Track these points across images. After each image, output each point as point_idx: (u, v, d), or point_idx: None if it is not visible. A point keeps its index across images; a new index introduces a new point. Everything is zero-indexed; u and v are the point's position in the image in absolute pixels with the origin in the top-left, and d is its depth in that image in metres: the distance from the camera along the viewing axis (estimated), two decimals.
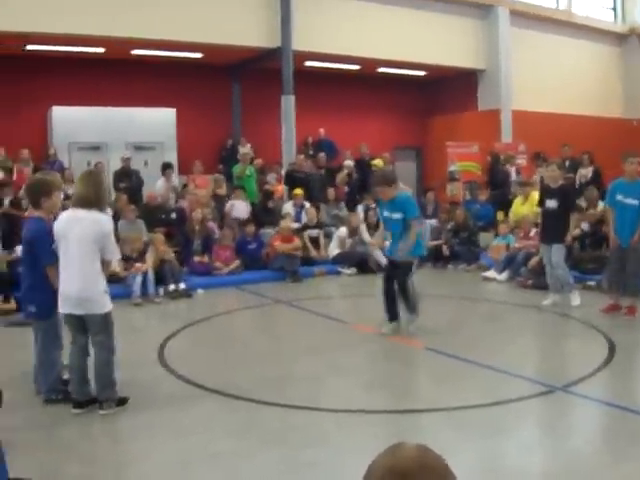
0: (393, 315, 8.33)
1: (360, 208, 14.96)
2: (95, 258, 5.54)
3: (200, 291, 11.55)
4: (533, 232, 11.66)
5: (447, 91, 22.26)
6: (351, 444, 4.96)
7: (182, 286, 11.27)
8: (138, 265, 11.07)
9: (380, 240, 9.39)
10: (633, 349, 7.71)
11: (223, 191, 15.51)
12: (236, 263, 12.77)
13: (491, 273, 12.41)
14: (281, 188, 16.21)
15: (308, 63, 18.55)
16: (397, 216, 8.18)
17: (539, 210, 10.31)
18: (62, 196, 6.47)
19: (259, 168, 16.75)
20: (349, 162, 17.32)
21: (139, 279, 10.80)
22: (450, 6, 19.74)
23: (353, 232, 13.89)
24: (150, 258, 11.32)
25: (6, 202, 12.31)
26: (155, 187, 14.74)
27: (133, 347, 7.97)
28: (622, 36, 24.36)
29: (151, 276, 10.96)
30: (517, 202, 13.81)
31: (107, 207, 6.38)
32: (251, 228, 13.41)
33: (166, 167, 15.11)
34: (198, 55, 17.60)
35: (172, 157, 16.93)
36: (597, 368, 6.76)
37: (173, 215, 13.84)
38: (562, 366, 7.36)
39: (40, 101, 16.38)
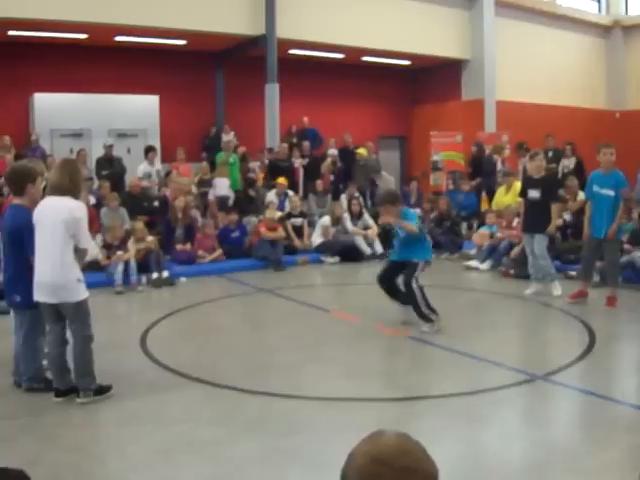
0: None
1: (343, 197, 14.97)
2: (68, 246, 5.49)
3: (183, 279, 11.51)
4: (515, 222, 11.71)
5: (431, 81, 22.28)
6: (333, 432, 4.98)
7: (165, 274, 11.24)
8: (119, 253, 11.03)
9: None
10: (613, 338, 7.79)
11: (208, 175, 15.46)
12: (219, 252, 12.75)
13: (474, 262, 12.47)
14: (263, 176, 16.18)
15: (292, 51, 18.49)
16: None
17: (521, 200, 10.37)
18: (44, 184, 6.41)
19: (241, 156, 16.69)
20: (333, 151, 17.31)
21: (121, 267, 10.75)
22: None
23: (336, 221, 13.89)
24: (132, 246, 11.28)
25: None
26: (137, 170, 14.69)
27: (115, 335, 7.96)
28: (606, 28, 24.45)
29: (133, 264, 10.92)
30: (500, 192, 13.86)
31: (82, 195, 6.29)
32: (234, 217, 13.38)
33: (149, 150, 15.05)
34: (182, 42, 17.49)
35: (155, 144, 16.80)
36: (577, 357, 6.82)
37: (156, 203, 13.80)
38: (543, 355, 7.41)
39: (22, 87, 16.23)
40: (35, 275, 5.56)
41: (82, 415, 5.46)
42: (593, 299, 9.34)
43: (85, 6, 14.54)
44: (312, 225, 14.33)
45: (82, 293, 5.62)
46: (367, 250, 13.57)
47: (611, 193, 9.02)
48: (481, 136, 19.02)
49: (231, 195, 14.87)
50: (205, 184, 15.12)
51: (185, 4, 15.85)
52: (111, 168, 14.81)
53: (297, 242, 13.70)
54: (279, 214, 13.85)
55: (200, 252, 12.57)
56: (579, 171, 14.99)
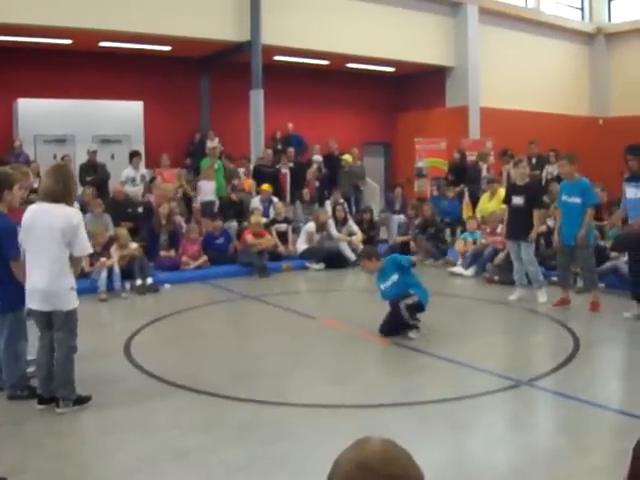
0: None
1: (328, 203, 14.98)
2: (63, 253, 5.48)
3: (167, 286, 11.47)
4: (500, 228, 11.75)
5: (416, 87, 22.35)
6: (318, 439, 4.98)
7: (149, 281, 11.19)
8: (102, 260, 10.98)
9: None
10: (597, 344, 7.83)
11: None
12: (203, 258, 12.71)
13: (458, 269, 12.50)
14: (249, 182, 16.17)
15: (277, 57, 18.51)
16: (394, 277, 8.13)
17: (505, 207, 10.44)
18: (25, 190, 6.39)
19: (227, 159, 16.69)
20: (317, 157, 17.33)
21: (104, 274, 10.70)
22: (420, 3, 19.81)
23: (321, 227, 13.89)
24: (115, 253, 11.23)
25: None
26: (121, 176, 14.64)
27: (99, 343, 7.92)
28: (589, 35, 24.63)
29: (117, 271, 10.87)
30: (484, 198, 13.91)
31: (74, 201, 6.28)
32: (218, 223, 13.35)
33: (133, 155, 15.00)
34: (166, 48, 17.47)
35: (139, 150, 16.78)
36: (562, 362, 6.85)
37: (140, 209, 13.75)
38: (527, 361, 7.45)
39: (5, 93, 16.15)
40: (28, 282, 5.53)
41: (67, 423, 5.42)
42: (577, 305, 9.40)
43: (69, 11, 14.50)
44: (297, 231, 14.32)
45: (73, 302, 5.60)
46: (352, 256, 13.57)
47: (578, 200, 9.22)
48: (465, 143, 19.09)
49: (216, 201, 14.82)
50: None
51: (170, 10, 15.83)
52: (95, 174, 14.76)
53: (282, 248, 13.68)
54: (264, 220, 13.84)
55: (184, 259, 12.54)
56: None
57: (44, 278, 5.43)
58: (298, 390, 6.24)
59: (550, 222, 12.00)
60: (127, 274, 11.05)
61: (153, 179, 15.17)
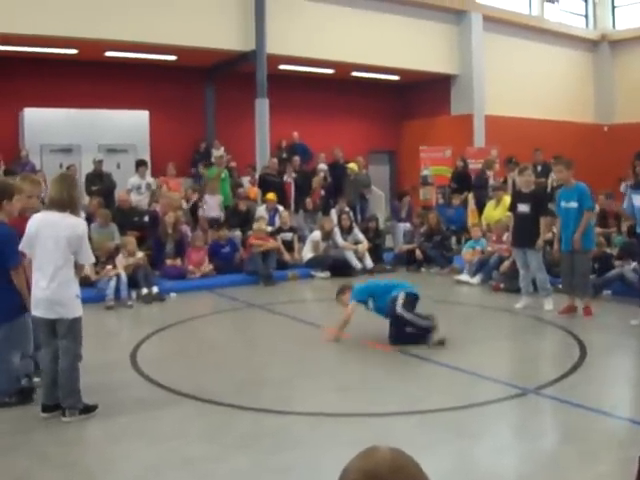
0: None
1: (334, 212, 14.97)
2: (68, 262, 5.50)
3: (173, 295, 11.47)
4: (506, 236, 11.73)
5: (420, 96, 22.38)
6: (324, 447, 4.97)
7: (155, 290, 11.20)
8: (108, 267, 11.01)
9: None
10: (604, 351, 7.78)
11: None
12: (209, 267, 12.72)
13: (464, 276, 12.48)
14: (254, 191, 16.19)
15: (282, 67, 18.56)
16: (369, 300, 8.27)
17: (510, 214, 10.44)
18: (37, 198, 6.44)
19: (231, 169, 16.75)
20: (322, 165, 17.34)
21: (113, 283, 10.72)
22: (424, 11, 19.86)
23: (327, 236, 13.89)
24: (122, 261, 11.24)
25: None
26: (127, 184, 14.67)
27: (106, 351, 7.93)
28: (594, 42, 24.68)
29: (124, 279, 10.88)
30: (489, 206, 13.90)
31: (80, 210, 6.31)
32: (224, 232, 13.36)
33: (139, 164, 15.03)
34: (172, 57, 17.53)
35: (145, 160, 16.84)
36: (569, 370, 6.83)
37: (146, 218, 13.77)
38: (534, 368, 7.42)
39: (12, 102, 16.22)
40: (33, 290, 5.55)
41: (73, 432, 5.42)
42: (581, 312, 9.37)
43: (75, 22, 14.57)
44: (302, 240, 14.32)
45: (78, 310, 5.61)
46: (358, 265, 13.57)
47: (575, 205, 9.23)
48: (470, 151, 19.10)
49: (222, 215, 14.79)
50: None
51: (175, 20, 15.89)
52: (101, 183, 14.80)
53: (287, 256, 13.67)
54: (269, 229, 13.85)
55: (190, 267, 12.55)
56: None
57: (49, 286, 5.44)
58: (303, 398, 6.24)
59: (556, 229, 11.99)
60: (132, 283, 11.06)
61: (159, 188, 15.20)
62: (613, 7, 24.93)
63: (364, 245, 14.05)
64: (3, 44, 15.23)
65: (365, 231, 14.67)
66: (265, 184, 15.83)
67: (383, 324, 8.23)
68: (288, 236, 14.08)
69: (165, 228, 12.69)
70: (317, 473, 4.54)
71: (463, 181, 17.07)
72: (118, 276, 10.86)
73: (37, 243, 5.51)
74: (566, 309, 9.43)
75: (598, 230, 11.35)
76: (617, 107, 24.25)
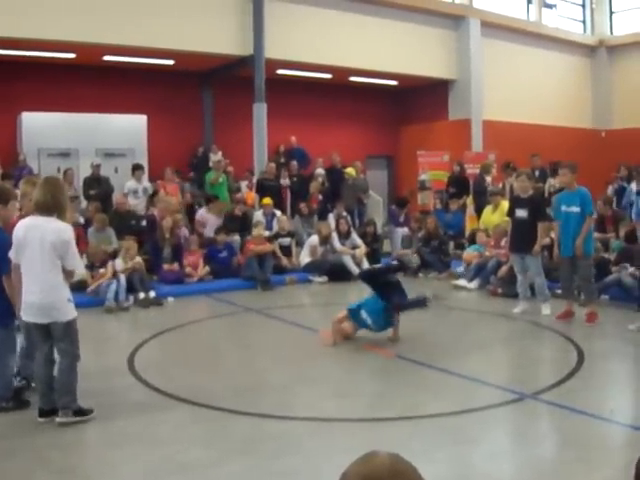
0: None
1: (331, 216, 14.98)
2: (57, 266, 5.47)
3: (170, 299, 11.47)
4: (504, 241, 11.73)
5: (418, 101, 22.40)
6: (323, 453, 4.96)
7: (152, 294, 11.20)
8: (102, 271, 11.05)
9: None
10: (601, 356, 7.79)
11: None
12: (205, 269, 12.73)
13: (461, 281, 12.48)
14: (252, 196, 16.20)
15: (280, 71, 18.56)
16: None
17: (508, 219, 10.45)
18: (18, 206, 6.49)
19: (228, 174, 16.76)
20: (320, 170, 17.35)
21: (113, 287, 10.73)
22: (422, 16, 19.88)
23: (324, 240, 13.89)
24: (121, 265, 11.24)
25: None
26: (124, 188, 14.66)
27: (103, 356, 7.93)
28: (591, 48, 24.72)
29: (123, 282, 10.90)
30: (487, 211, 13.90)
31: (69, 214, 6.27)
32: (222, 237, 13.35)
33: (136, 168, 15.00)
34: (170, 62, 17.53)
35: (143, 164, 16.82)
36: (566, 376, 6.83)
37: (143, 222, 13.76)
38: (532, 374, 7.41)
39: (10, 106, 16.21)
40: (24, 295, 5.53)
41: (71, 436, 5.41)
42: (581, 317, 9.36)
43: (73, 26, 14.57)
44: (300, 245, 14.32)
45: (72, 312, 5.60)
46: (355, 269, 13.54)
47: (577, 210, 9.20)
48: (468, 156, 19.12)
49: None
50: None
51: (173, 24, 15.90)
52: (99, 188, 14.79)
53: (285, 261, 13.67)
54: (267, 234, 13.86)
55: (188, 269, 12.55)
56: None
57: (39, 292, 5.44)
58: (302, 403, 6.23)
59: (554, 234, 11.99)
60: (128, 287, 11.06)
61: (156, 192, 15.20)
62: (611, 13, 24.98)
63: (362, 250, 14.05)
64: (1, 48, 15.23)
65: (363, 236, 14.67)
66: (263, 189, 15.83)
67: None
68: (286, 241, 14.09)
69: (162, 233, 12.68)
70: (316, 478, 4.54)
71: (460, 185, 17.08)
72: (117, 279, 10.87)
73: (25, 248, 5.49)
74: (564, 314, 9.43)
75: (596, 235, 11.35)
76: (614, 112, 24.29)
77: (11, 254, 5.59)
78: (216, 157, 16.99)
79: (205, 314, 10.92)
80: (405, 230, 15.52)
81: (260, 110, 17.18)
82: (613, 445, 5.19)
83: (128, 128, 17.10)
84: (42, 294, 5.43)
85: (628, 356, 8.05)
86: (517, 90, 21.56)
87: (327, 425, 5.64)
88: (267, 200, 14.89)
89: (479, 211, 15.14)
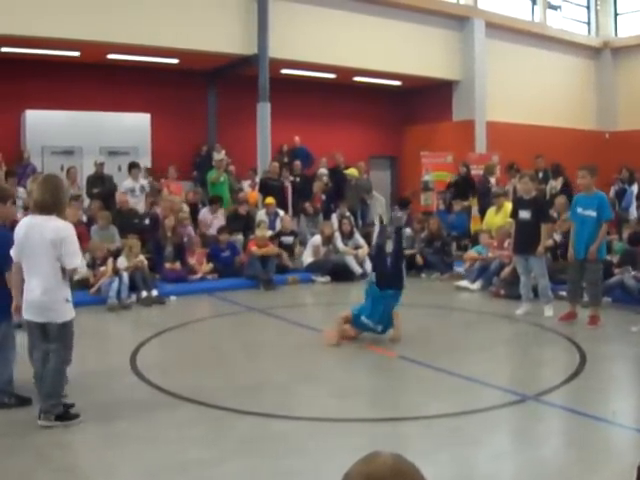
0: None
1: (334, 216, 14.97)
2: (56, 265, 5.45)
3: (173, 298, 11.47)
4: (507, 243, 11.72)
5: (422, 101, 22.41)
6: (325, 452, 4.96)
7: (154, 293, 11.20)
8: (103, 269, 11.06)
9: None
10: (603, 359, 7.78)
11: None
12: (209, 266, 12.77)
13: (464, 282, 12.46)
14: (254, 196, 16.20)
15: (284, 71, 18.58)
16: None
17: (511, 221, 10.44)
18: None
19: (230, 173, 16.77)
20: (323, 170, 17.35)
21: (115, 285, 10.74)
22: (426, 17, 19.89)
23: (327, 240, 13.89)
24: (124, 263, 11.26)
25: None
26: (121, 187, 14.65)
27: (105, 354, 7.94)
28: (596, 49, 24.71)
29: (126, 280, 10.91)
30: (490, 212, 13.89)
31: (71, 212, 6.32)
32: (224, 236, 13.36)
33: (132, 166, 14.95)
34: (174, 61, 17.56)
35: (146, 162, 16.87)
36: (568, 377, 6.82)
37: (146, 221, 13.76)
38: (534, 375, 7.41)
39: (14, 104, 16.24)
40: (24, 294, 5.54)
41: (72, 435, 5.40)
42: (583, 319, 9.34)
43: (78, 24, 14.59)
44: (303, 244, 14.32)
45: (69, 313, 5.56)
46: (358, 270, 13.56)
47: (593, 214, 9.10)
48: (471, 157, 19.12)
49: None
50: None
51: (178, 23, 15.92)
52: (102, 186, 14.78)
53: (288, 261, 13.67)
54: (270, 233, 13.86)
55: (192, 262, 12.58)
56: (566, 192, 14.90)
57: (38, 290, 5.43)
58: (304, 403, 6.23)
59: (557, 236, 11.98)
60: (131, 286, 11.07)
61: (159, 191, 15.20)
62: (615, 14, 24.98)
63: (364, 250, 14.03)
64: (6, 46, 15.26)
65: (366, 236, 14.66)
66: (266, 188, 15.83)
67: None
68: (289, 239, 14.09)
69: (165, 231, 12.68)
70: (318, 478, 4.53)
71: (466, 187, 17.06)
72: (120, 277, 10.88)
73: (25, 248, 5.49)
74: (566, 316, 9.41)
75: None
76: (619, 114, 24.29)
77: (12, 253, 5.60)
78: (218, 156, 17.00)
79: (207, 313, 10.92)
80: (408, 231, 15.50)
81: (264, 109, 17.19)
82: (615, 447, 5.18)
83: (132, 126, 17.14)
84: (40, 293, 5.43)
85: (630, 358, 8.03)
86: (521, 91, 21.56)
87: (329, 425, 5.63)
88: (270, 200, 14.88)
89: (483, 212, 15.13)
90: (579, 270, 9.34)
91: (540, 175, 15.76)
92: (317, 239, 13.94)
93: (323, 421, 5.69)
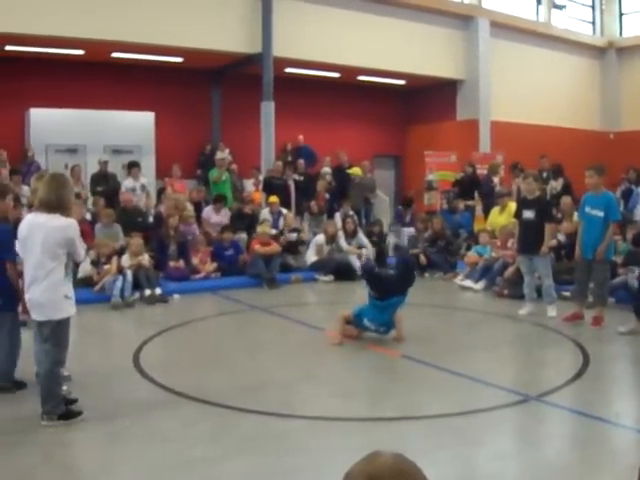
0: None
1: (338, 215, 14.97)
2: (57, 264, 5.45)
3: (176, 296, 11.48)
4: (510, 242, 11.71)
5: (426, 100, 22.38)
6: (326, 451, 4.96)
7: (158, 291, 11.21)
8: (107, 267, 11.07)
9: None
10: (607, 359, 7.77)
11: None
12: (213, 265, 12.78)
13: (468, 282, 12.45)
14: (259, 195, 16.20)
15: (288, 70, 18.56)
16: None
17: (515, 221, 10.43)
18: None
19: (236, 173, 16.78)
20: (326, 169, 17.35)
21: (119, 283, 10.76)
22: (431, 16, 19.86)
23: (331, 239, 13.89)
24: (127, 261, 11.27)
25: None
26: (122, 187, 14.65)
27: (108, 352, 7.94)
28: (600, 49, 24.66)
29: (130, 279, 10.94)
30: (494, 212, 13.88)
31: (76, 209, 6.38)
32: (228, 234, 13.37)
33: (132, 166, 14.94)
34: (178, 59, 17.56)
35: (150, 161, 16.89)
36: (571, 378, 6.81)
37: (150, 219, 13.78)
38: (536, 375, 7.40)
39: (18, 102, 16.25)
40: (25, 291, 5.56)
41: (74, 433, 5.41)
42: (587, 320, 9.33)
43: (82, 22, 14.59)
44: (307, 243, 14.32)
45: (67, 310, 5.55)
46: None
47: (601, 214, 9.09)
48: (475, 156, 19.10)
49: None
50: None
51: (182, 22, 15.91)
52: (106, 184, 14.81)
53: (291, 260, 13.69)
54: (273, 232, 13.86)
55: (196, 262, 12.58)
56: (567, 192, 14.80)
57: (38, 288, 5.44)
58: (307, 402, 6.23)
59: (561, 236, 11.97)
60: (134, 284, 11.09)
61: (163, 190, 15.20)
62: (620, 14, 24.93)
63: (368, 249, 14.04)
64: (10, 44, 15.27)
65: (369, 235, 14.66)
66: (269, 187, 15.83)
67: None
68: (293, 236, 14.10)
69: (168, 230, 12.69)
70: (320, 477, 4.53)
71: (472, 186, 17.04)
72: (124, 275, 10.90)
73: (27, 245, 5.51)
74: (571, 316, 9.39)
75: None
76: (623, 114, 24.24)
77: (18, 250, 5.64)
78: (222, 155, 17.00)
79: (210, 312, 10.93)
80: (411, 230, 15.50)
81: (268, 108, 17.19)
82: (618, 448, 5.17)
83: (136, 125, 17.13)
84: (40, 291, 5.44)
85: (634, 359, 8.04)
86: (525, 91, 21.52)
87: (331, 424, 5.63)
88: (274, 198, 14.89)
89: (486, 212, 15.12)
90: (586, 270, 9.32)
91: (544, 175, 15.72)
92: (321, 238, 13.95)
93: (325, 420, 5.69)
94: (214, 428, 5.55)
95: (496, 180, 16.76)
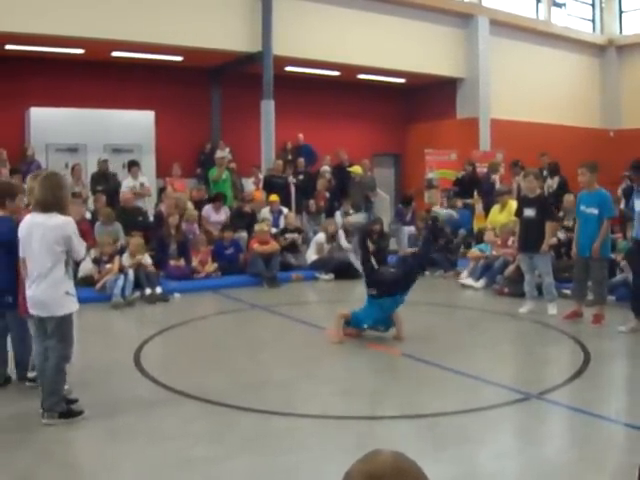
0: None
1: (338, 214, 14.97)
2: (57, 262, 5.48)
3: (177, 295, 11.48)
4: (511, 240, 11.71)
5: (426, 99, 22.37)
6: (327, 450, 4.96)
7: (158, 290, 11.21)
8: (109, 266, 11.07)
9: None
10: (607, 357, 7.77)
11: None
12: (213, 265, 12.76)
13: (468, 280, 12.45)
14: (259, 193, 16.19)
15: (288, 68, 18.55)
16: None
17: (515, 219, 10.43)
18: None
19: (235, 172, 16.77)
20: (326, 168, 17.35)
21: (120, 282, 10.76)
22: (431, 14, 19.85)
23: (331, 238, 13.89)
24: (128, 260, 11.28)
25: None
26: (122, 186, 14.64)
27: (109, 351, 7.94)
28: (601, 47, 24.65)
29: (131, 278, 10.95)
30: (494, 210, 13.86)
31: (75, 208, 6.41)
32: (229, 233, 13.37)
33: (131, 165, 14.94)
34: (178, 58, 17.55)
35: (150, 160, 16.89)
36: (572, 376, 6.81)
37: (151, 218, 13.78)
38: (537, 373, 7.40)
39: (18, 102, 16.24)
40: (26, 289, 5.58)
41: (75, 431, 5.42)
42: (587, 318, 9.34)
43: (82, 21, 14.59)
44: (307, 242, 14.32)
45: (68, 307, 5.57)
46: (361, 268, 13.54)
47: (595, 212, 9.11)
48: (476, 154, 19.09)
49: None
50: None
51: (182, 20, 15.90)
52: (106, 183, 14.80)
53: (291, 258, 13.69)
54: (274, 231, 13.86)
55: (195, 264, 12.57)
56: (563, 190, 14.71)
57: (39, 286, 5.47)
58: (307, 400, 6.23)
59: (561, 234, 11.97)
60: (135, 283, 11.09)
61: (164, 189, 15.19)
62: (620, 12, 24.91)
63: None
64: (10, 43, 15.27)
65: (370, 234, 14.62)
66: (270, 186, 15.83)
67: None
68: (293, 236, 14.10)
69: (168, 229, 12.69)
70: (320, 476, 4.54)
71: (471, 184, 17.03)
72: (125, 274, 10.91)
73: (27, 245, 5.53)
74: (571, 314, 9.40)
75: None
76: (623, 112, 24.23)
77: (19, 250, 5.67)
78: (222, 153, 17.00)
79: (211, 310, 10.93)
80: (412, 228, 15.49)
81: (268, 107, 17.18)
82: (618, 446, 5.17)
83: (136, 124, 17.12)
84: (41, 290, 5.46)
85: (635, 356, 8.04)
86: (525, 89, 21.51)
87: (331, 422, 5.64)
88: (274, 197, 14.89)
89: (487, 210, 15.10)
90: (584, 268, 9.33)
91: (545, 173, 15.70)
92: (321, 237, 13.94)
93: (326, 419, 5.70)
94: (214, 427, 5.56)
95: (496, 178, 16.74)
